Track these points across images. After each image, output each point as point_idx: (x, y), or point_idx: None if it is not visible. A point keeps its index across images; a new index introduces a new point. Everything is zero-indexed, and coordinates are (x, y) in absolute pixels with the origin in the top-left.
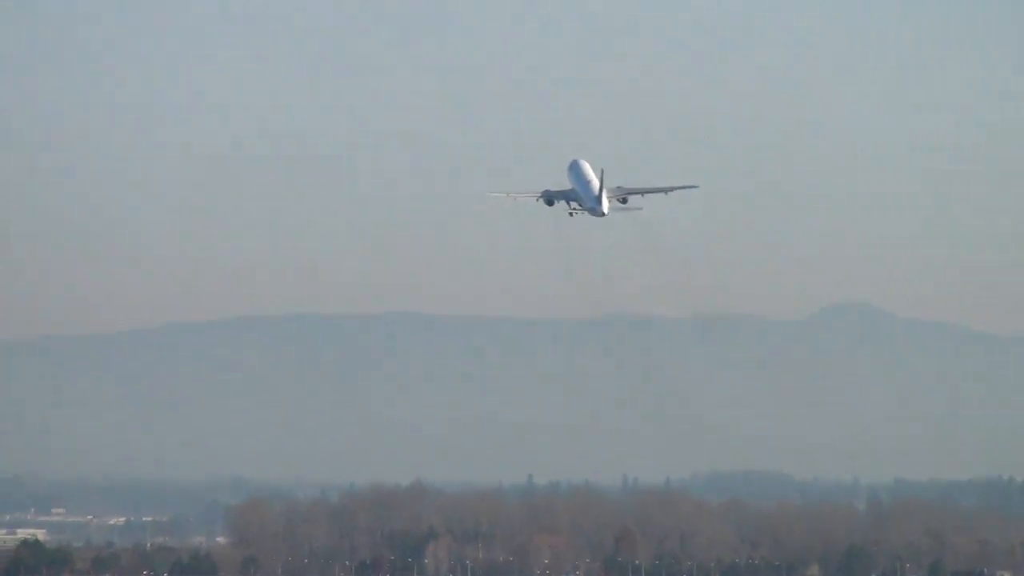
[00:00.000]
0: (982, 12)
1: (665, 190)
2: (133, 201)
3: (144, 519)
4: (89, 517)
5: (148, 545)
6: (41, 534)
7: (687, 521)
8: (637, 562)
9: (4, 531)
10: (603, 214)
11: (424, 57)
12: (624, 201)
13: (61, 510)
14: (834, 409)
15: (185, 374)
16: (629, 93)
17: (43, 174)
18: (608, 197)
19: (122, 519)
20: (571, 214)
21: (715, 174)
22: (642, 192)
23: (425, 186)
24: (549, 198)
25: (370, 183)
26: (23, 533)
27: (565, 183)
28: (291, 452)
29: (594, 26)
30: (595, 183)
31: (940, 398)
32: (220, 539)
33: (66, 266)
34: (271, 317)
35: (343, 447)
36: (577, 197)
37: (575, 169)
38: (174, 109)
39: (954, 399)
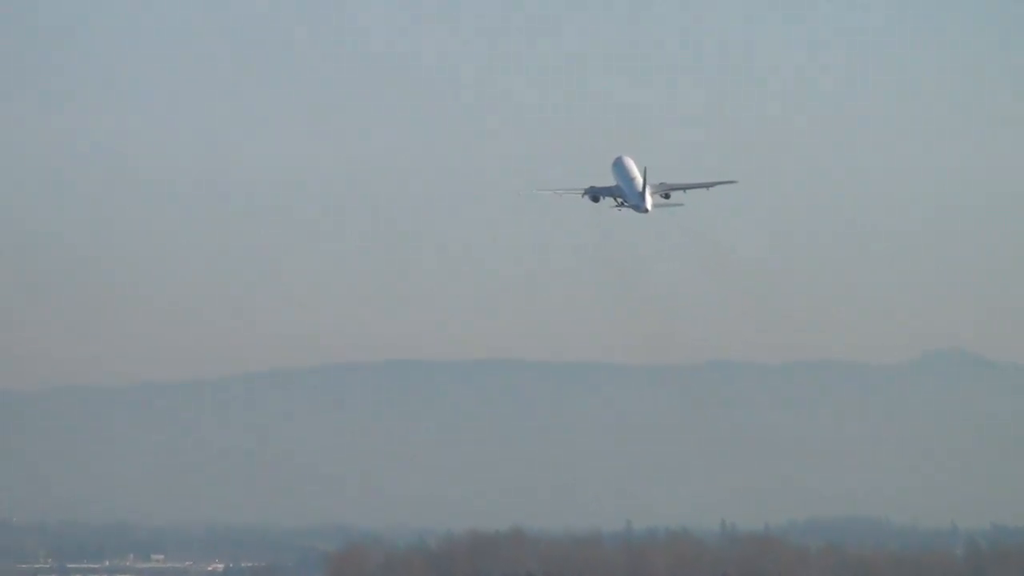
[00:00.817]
0: None
1: (706, 185)
2: (235, 249)
3: (243, 565)
4: (188, 563)
5: None
6: None
7: (786, 567)
8: None
9: None
10: (647, 211)
11: (461, 57)
12: (667, 196)
13: (160, 556)
14: (932, 454)
15: (283, 421)
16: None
17: (142, 214)
18: (651, 193)
19: (220, 565)
20: (618, 208)
21: (808, 214)
22: (684, 188)
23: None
24: (594, 194)
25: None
26: None
27: (610, 180)
28: (388, 498)
29: (646, 18)
30: (639, 180)
31: None
32: None
33: (166, 313)
34: (370, 363)
35: (440, 492)
36: (621, 193)
37: (619, 166)
38: (249, 139)
39: None
